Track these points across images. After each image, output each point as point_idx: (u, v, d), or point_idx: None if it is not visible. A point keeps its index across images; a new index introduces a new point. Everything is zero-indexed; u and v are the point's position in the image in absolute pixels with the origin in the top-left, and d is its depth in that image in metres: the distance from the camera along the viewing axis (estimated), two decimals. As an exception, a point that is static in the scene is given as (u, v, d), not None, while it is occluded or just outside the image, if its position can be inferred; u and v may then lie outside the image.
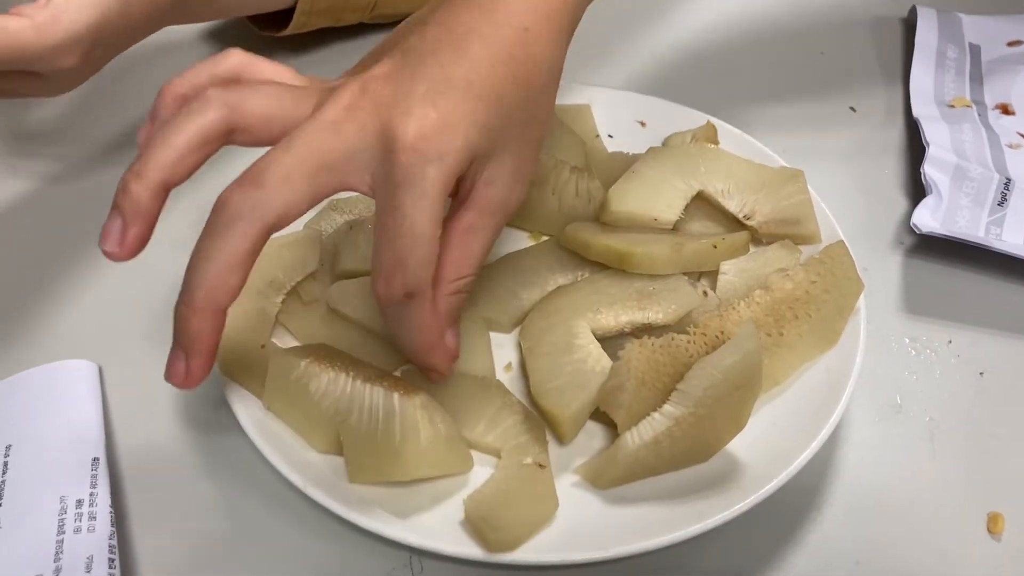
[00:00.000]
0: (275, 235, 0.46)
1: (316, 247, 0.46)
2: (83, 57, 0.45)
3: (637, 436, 0.38)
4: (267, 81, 0.37)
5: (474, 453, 0.40)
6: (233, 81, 0.36)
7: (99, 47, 0.45)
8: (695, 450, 0.39)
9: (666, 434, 0.38)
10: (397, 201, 0.34)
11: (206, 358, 0.34)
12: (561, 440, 0.41)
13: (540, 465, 0.39)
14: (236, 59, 0.37)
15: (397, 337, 0.37)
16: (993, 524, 0.41)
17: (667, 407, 0.38)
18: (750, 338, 0.38)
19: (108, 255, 0.33)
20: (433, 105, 0.34)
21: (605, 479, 0.39)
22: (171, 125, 0.34)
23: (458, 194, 0.38)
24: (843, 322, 0.43)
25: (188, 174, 0.34)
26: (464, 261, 0.37)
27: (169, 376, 0.34)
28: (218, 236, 0.33)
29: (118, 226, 0.33)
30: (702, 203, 0.48)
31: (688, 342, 0.40)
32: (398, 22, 0.67)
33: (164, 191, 0.34)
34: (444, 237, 0.36)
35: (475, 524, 0.37)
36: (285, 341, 0.44)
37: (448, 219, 0.37)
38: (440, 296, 0.37)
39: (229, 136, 0.34)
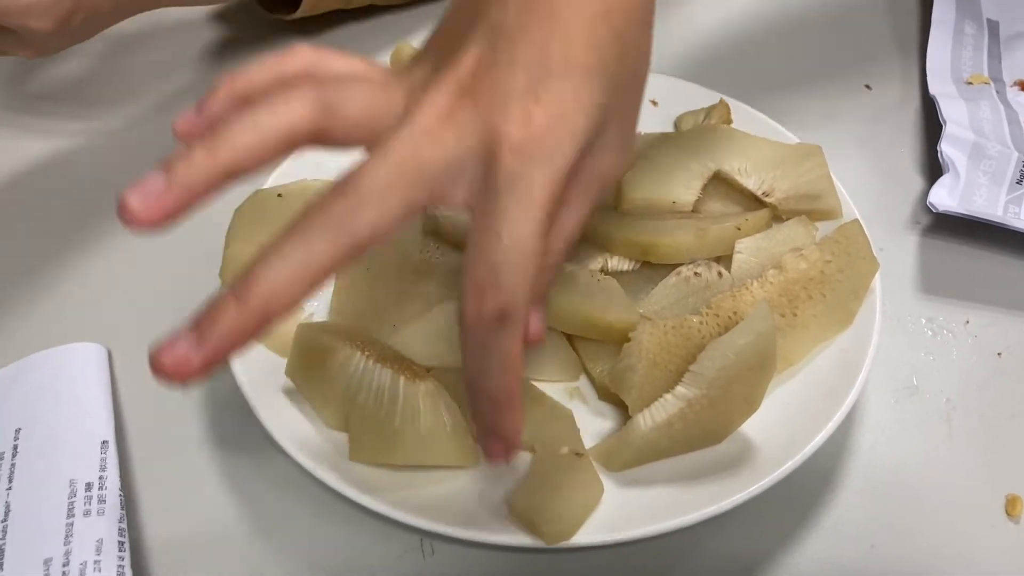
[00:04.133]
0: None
1: None
2: (59, 23, 0.45)
3: (649, 418, 0.38)
4: (350, 77, 0.32)
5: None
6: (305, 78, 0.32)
7: (78, 15, 0.45)
8: (708, 432, 0.38)
9: (678, 416, 0.38)
10: (498, 207, 0.29)
11: (218, 356, 0.27)
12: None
13: (577, 453, 0.38)
14: (305, 57, 0.32)
15: (476, 378, 0.31)
16: (1011, 507, 0.40)
17: (679, 389, 0.38)
18: (763, 318, 0.38)
19: (126, 212, 0.27)
20: (536, 100, 0.30)
21: (617, 462, 0.38)
22: (258, 111, 0.29)
23: None
24: (858, 303, 0.42)
25: (257, 167, 0.29)
26: (555, 236, 0.33)
27: (161, 353, 0.27)
28: (301, 238, 0.28)
29: (158, 185, 0.27)
30: (720, 183, 0.48)
31: (700, 323, 0.40)
32: (410, 3, 0.66)
33: (226, 176, 0.28)
34: None
35: (526, 519, 0.36)
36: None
37: None
38: None
39: (317, 138, 0.30)
